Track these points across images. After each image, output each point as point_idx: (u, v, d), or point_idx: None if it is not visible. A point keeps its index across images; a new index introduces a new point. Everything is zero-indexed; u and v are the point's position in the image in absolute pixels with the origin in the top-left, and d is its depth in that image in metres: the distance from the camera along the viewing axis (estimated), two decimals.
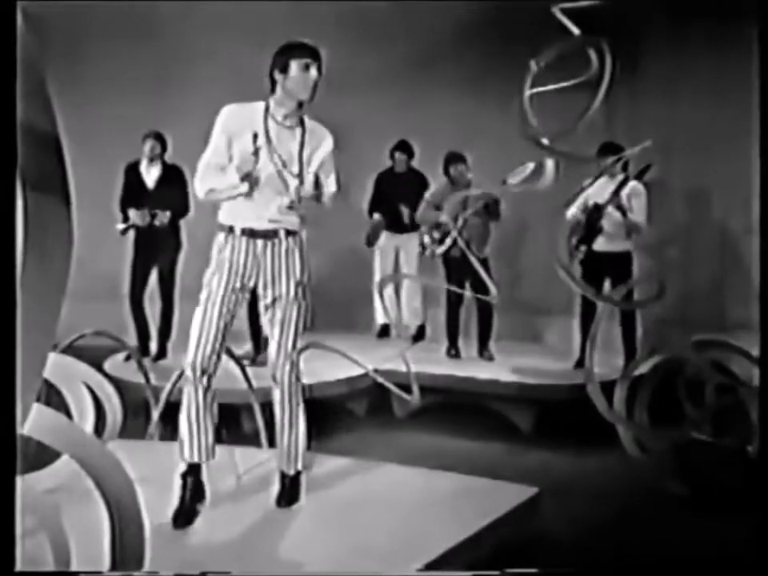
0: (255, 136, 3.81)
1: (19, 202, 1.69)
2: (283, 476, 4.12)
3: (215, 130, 3.90)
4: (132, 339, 7.25)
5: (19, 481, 2.66)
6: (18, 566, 2.17)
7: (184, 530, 3.84)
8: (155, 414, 5.25)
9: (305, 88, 3.81)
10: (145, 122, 7.74)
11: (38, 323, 1.72)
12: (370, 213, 8.40)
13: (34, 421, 1.86)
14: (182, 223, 7.50)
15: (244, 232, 3.90)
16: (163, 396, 5.23)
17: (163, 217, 7.24)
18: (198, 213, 7.20)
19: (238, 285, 3.92)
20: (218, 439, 4.10)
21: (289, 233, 3.95)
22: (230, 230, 3.93)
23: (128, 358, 6.91)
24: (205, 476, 4.05)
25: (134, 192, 7.45)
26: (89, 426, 4.30)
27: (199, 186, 3.94)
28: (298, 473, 4.14)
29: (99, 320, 5.85)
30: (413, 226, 8.19)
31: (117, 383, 4.92)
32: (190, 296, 7.73)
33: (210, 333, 3.89)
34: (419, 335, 8.30)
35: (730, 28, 7.27)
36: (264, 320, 4.06)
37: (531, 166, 5.63)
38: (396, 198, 8.20)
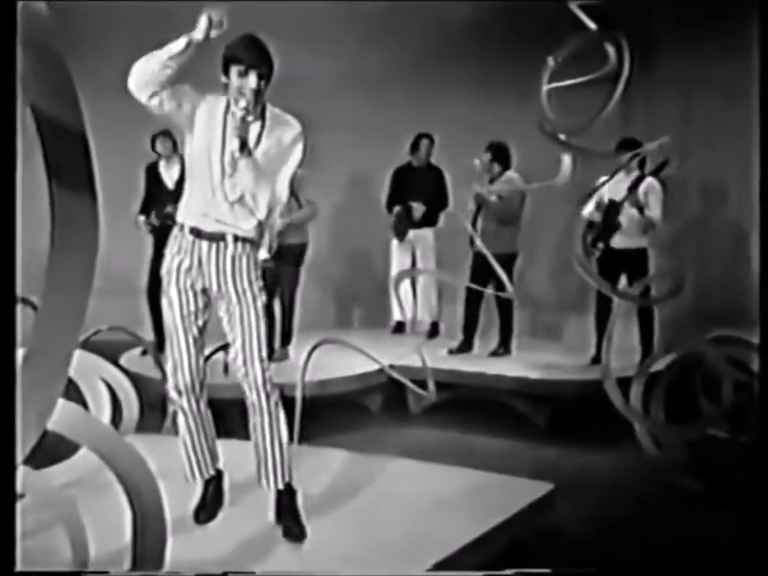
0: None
1: (18, 199, 1.69)
2: (279, 497, 3.83)
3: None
4: (148, 334, 7.27)
5: (36, 475, 2.68)
6: (24, 563, 2.19)
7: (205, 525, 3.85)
8: (171, 409, 5.26)
9: (242, 95, 3.51)
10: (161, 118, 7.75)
11: (63, 320, 1.72)
12: (389, 208, 8.38)
13: (57, 415, 1.87)
14: None
15: (192, 231, 3.68)
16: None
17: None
18: None
19: (189, 288, 3.71)
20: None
21: (237, 238, 3.66)
22: (181, 227, 3.73)
23: (144, 353, 6.93)
24: (226, 482, 4.03)
25: (154, 192, 7.49)
26: (105, 420, 4.32)
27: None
28: (290, 491, 3.83)
29: (115, 315, 5.87)
30: (427, 222, 8.19)
31: (133, 378, 4.94)
32: None
33: (182, 349, 3.71)
34: (433, 332, 8.29)
35: (741, 24, 7.24)
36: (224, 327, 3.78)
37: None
38: (414, 192, 8.17)
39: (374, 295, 8.57)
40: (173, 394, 3.78)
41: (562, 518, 4.44)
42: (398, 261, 8.43)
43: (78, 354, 4.20)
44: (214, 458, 3.95)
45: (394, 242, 8.44)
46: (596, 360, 6.74)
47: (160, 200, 7.43)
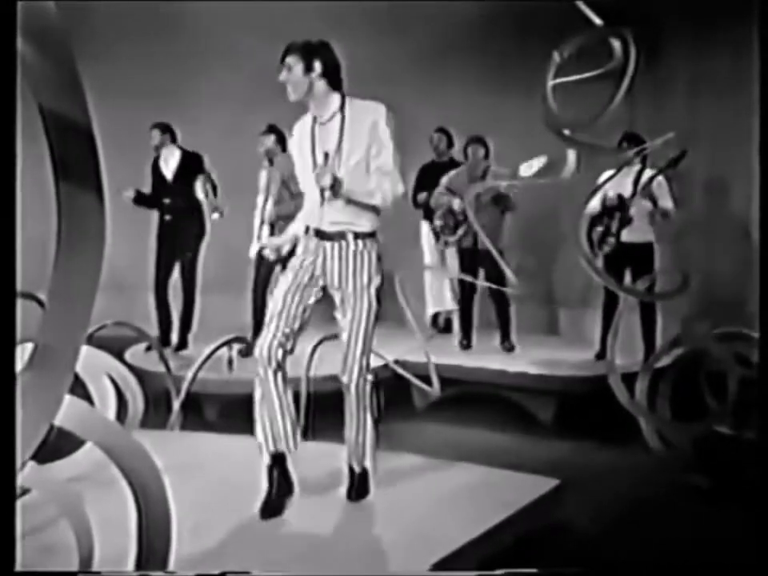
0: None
1: (16, 196, 1.69)
2: (352, 471, 4.15)
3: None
4: (152, 329, 7.27)
5: (42, 469, 2.68)
6: (28, 558, 2.20)
7: (274, 520, 3.86)
8: (176, 405, 5.27)
9: (287, 90, 3.87)
10: (166, 113, 7.78)
11: (71, 316, 1.72)
12: (414, 202, 8.30)
13: (63, 411, 1.87)
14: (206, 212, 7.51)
15: (315, 233, 3.96)
16: (184, 386, 5.26)
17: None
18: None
19: (306, 281, 3.95)
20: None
21: (357, 235, 3.94)
22: (306, 230, 4.02)
23: (149, 349, 6.93)
24: (291, 466, 4.06)
25: (157, 187, 7.51)
26: (110, 415, 4.32)
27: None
28: (364, 473, 4.16)
29: (120, 310, 5.87)
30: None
31: (138, 373, 4.94)
32: (211, 288, 7.81)
33: (275, 320, 3.91)
34: (447, 328, 8.25)
35: (744, 19, 7.21)
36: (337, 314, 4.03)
37: (544, 159, 5.62)
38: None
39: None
40: (256, 354, 3.97)
41: (567, 514, 4.43)
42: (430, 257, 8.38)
43: (83, 349, 4.21)
44: (291, 434, 3.99)
45: (424, 240, 8.35)
46: (601, 355, 6.74)
47: (162, 193, 7.44)
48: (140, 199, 7.44)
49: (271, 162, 7.16)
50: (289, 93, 3.86)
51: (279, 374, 3.92)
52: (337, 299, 3.98)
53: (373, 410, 4.09)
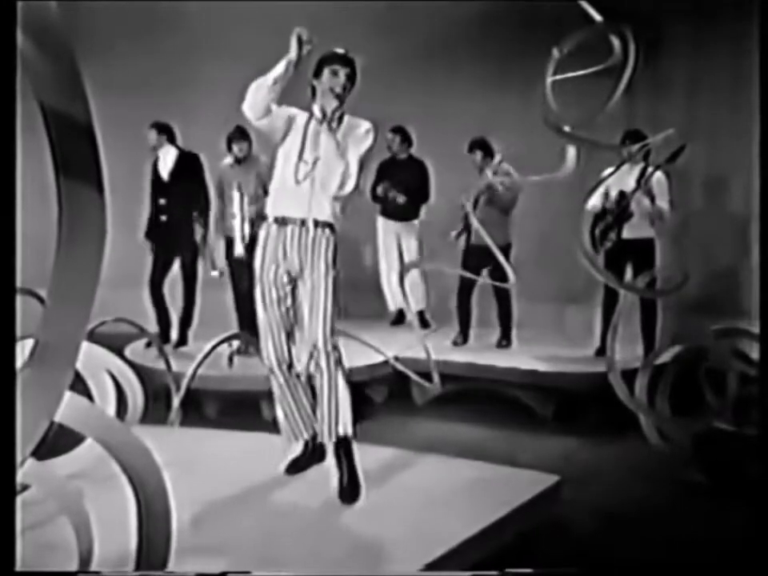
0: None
1: (16, 192, 1.69)
2: (338, 456, 4.13)
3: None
4: (152, 326, 7.28)
5: (41, 466, 2.68)
6: (28, 555, 2.20)
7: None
8: (176, 401, 5.27)
9: (331, 92, 4.04)
10: (167, 112, 7.79)
11: (71, 313, 1.72)
12: (374, 198, 8.36)
13: (63, 407, 1.87)
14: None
15: (276, 220, 4.12)
16: (184, 383, 5.26)
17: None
18: None
19: (281, 272, 4.14)
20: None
21: (318, 223, 4.10)
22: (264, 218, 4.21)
23: (149, 345, 6.94)
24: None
25: (154, 187, 7.51)
26: (110, 411, 4.32)
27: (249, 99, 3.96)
28: (346, 444, 4.12)
29: (120, 307, 5.87)
30: (410, 214, 8.23)
31: (138, 370, 4.94)
32: (212, 284, 7.81)
33: (272, 325, 4.15)
34: (422, 322, 8.26)
35: (744, 16, 7.21)
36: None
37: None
38: (396, 184, 8.15)
39: (361, 287, 8.56)
40: (267, 363, 4.22)
41: (567, 511, 4.43)
42: (386, 253, 8.50)
43: (83, 345, 4.21)
44: (308, 424, 4.27)
45: (380, 235, 8.51)
46: (601, 352, 6.74)
47: (158, 193, 7.45)
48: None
49: (239, 161, 7.21)
50: (333, 96, 4.04)
51: (291, 373, 4.21)
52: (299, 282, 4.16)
53: (344, 373, 4.13)
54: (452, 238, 7.52)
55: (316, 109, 4.12)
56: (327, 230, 4.11)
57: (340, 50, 4.12)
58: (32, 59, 1.63)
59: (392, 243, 8.49)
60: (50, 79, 1.62)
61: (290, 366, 4.20)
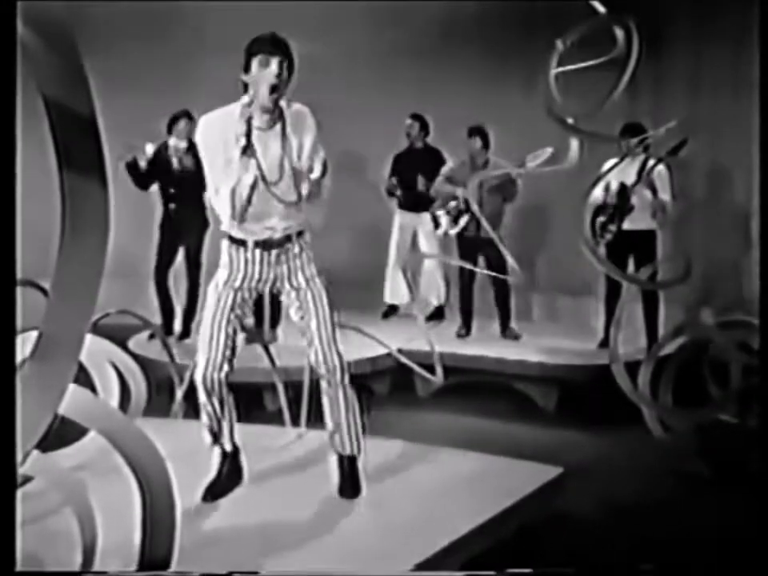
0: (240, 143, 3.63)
1: (16, 184, 1.69)
2: (341, 462, 4.06)
3: (200, 149, 3.75)
4: (155, 318, 7.28)
5: (45, 458, 2.69)
6: (32, 547, 2.20)
7: (212, 504, 3.90)
8: (179, 393, 5.27)
9: (263, 86, 3.58)
10: (172, 104, 7.78)
11: (75, 305, 1.72)
12: (388, 192, 8.35)
13: (66, 399, 1.87)
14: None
15: (257, 244, 3.82)
16: (188, 375, 5.25)
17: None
18: None
19: (248, 292, 3.93)
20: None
21: (289, 237, 3.87)
22: (242, 242, 3.84)
23: (152, 337, 6.94)
24: (243, 458, 4.12)
25: (162, 174, 7.44)
26: (114, 403, 4.32)
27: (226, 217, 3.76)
28: (355, 458, 4.07)
29: (123, 299, 5.87)
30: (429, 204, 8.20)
31: (141, 362, 4.95)
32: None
33: (213, 343, 3.88)
34: (438, 315, 8.27)
35: (747, 9, 7.20)
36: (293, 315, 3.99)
37: (550, 150, 5.61)
38: (413, 176, 8.14)
39: (376, 278, 8.54)
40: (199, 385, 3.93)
41: (570, 502, 4.44)
42: (399, 244, 8.42)
43: (86, 337, 4.21)
44: (232, 435, 4.06)
45: (395, 229, 8.43)
46: (604, 344, 6.73)
47: (168, 182, 7.45)
48: (132, 168, 7.33)
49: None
50: (266, 92, 3.60)
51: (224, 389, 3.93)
52: (290, 300, 3.94)
53: (355, 394, 4.05)
54: (458, 228, 7.45)
55: (256, 113, 3.64)
56: (300, 240, 3.88)
57: (265, 34, 3.61)
58: (35, 51, 1.63)
59: (407, 236, 8.39)
60: (53, 72, 1.62)
61: (220, 383, 3.88)
